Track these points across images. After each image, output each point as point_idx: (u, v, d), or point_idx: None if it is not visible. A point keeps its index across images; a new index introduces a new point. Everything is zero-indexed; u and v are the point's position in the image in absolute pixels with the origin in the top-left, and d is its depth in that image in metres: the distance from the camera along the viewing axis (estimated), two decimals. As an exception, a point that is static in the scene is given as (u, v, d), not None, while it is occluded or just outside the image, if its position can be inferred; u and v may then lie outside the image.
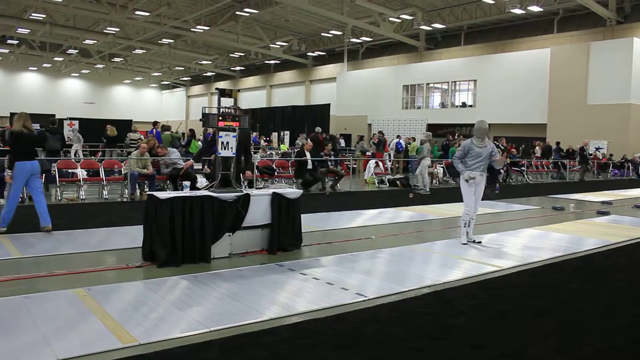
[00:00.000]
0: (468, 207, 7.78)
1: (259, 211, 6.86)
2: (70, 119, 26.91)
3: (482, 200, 8.14)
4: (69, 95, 56.12)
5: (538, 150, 25.50)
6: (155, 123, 19.59)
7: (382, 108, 36.47)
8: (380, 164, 18.97)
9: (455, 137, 25.55)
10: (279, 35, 39.37)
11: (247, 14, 31.92)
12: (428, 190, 15.75)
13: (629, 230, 9.82)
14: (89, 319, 4.25)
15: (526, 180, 21.72)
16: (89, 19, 36.29)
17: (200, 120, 7.01)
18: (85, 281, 5.35)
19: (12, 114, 34.48)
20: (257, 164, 14.62)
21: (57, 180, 11.78)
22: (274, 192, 7.03)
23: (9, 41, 42.41)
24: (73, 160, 14.82)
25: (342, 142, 30.52)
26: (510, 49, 32.51)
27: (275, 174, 15.19)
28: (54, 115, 22.85)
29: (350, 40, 36.41)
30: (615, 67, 27.01)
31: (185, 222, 6.21)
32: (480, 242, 7.86)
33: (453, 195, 13.15)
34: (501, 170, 19.95)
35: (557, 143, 25.49)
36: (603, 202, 14.29)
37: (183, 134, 23.97)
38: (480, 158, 7.72)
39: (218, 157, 7.06)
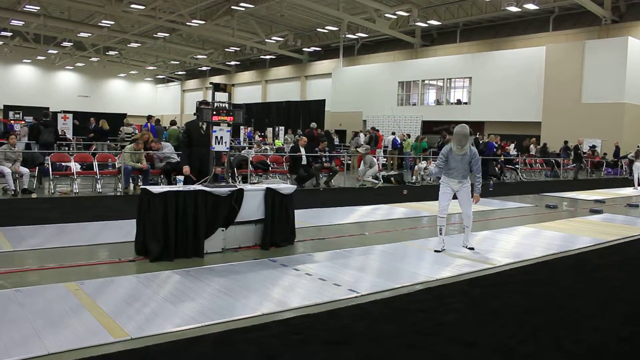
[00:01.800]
0: (440, 208, 7.33)
1: (252, 206, 6.84)
2: (64, 112, 26.74)
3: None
4: (63, 88, 55.84)
5: (532, 148, 25.55)
6: (149, 117, 19.53)
7: (377, 104, 36.45)
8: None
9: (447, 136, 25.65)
10: (275, 30, 39.25)
11: (243, 9, 31.78)
12: (376, 183, 16.14)
13: (621, 229, 9.86)
14: (80, 313, 4.23)
15: (520, 178, 21.77)
16: (83, 12, 36.08)
17: (195, 114, 7.00)
18: (77, 275, 5.33)
19: (6, 107, 34.34)
20: (251, 159, 14.60)
21: (51, 173, 11.75)
22: (267, 188, 7.02)
23: (3, 33, 42.13)
24: (67, 153, 14.74)
25: (336, 140, 30.45)
26: (506, 47, 32.54)
27: (270, 169, 15.17)
28: (47, 108, 22.73)
29: (346, 36, 36.34)
30: (610, 66, 27.06)
31: (179, 216, 6.20)
32: (472, 249, 7.40)
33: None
34: (495, 168, 20.01)
35: (565, 142, 25.38)
36: (596, 201, 14.34)
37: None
38: (459, 166, 7.17)
39: (212, 152, 7.05)
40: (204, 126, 7.92)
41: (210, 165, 7.08)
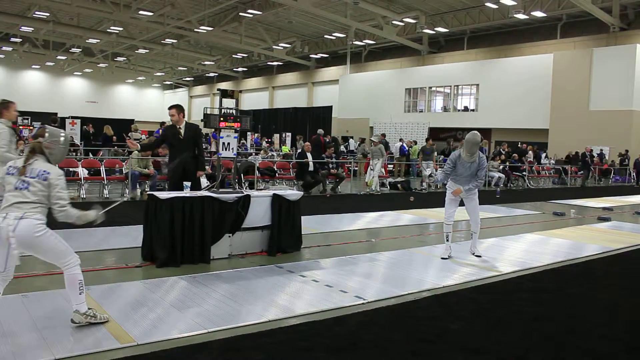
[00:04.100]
0: (446, 215, 7.30)
1: (259, 212, 6.85)
2: (72, 117, 26.88)
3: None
4: (71, 94, 56.09)
5: (531, 154, 25.27)
6: (162, 124, 19.63)
7: (384, 111, 36.42)
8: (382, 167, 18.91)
9: (452, 142, 25.64)
10: (282, 36, 39.35)
11: (251, 15, 31.91)
12: (379, 190, 16.00)
13: (629, 237, 9.79)
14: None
15: (527, 185, 21.69)
16: (92, 18, 36.29)
17: (202, 120, 7.02)
18: (85, 280, 5.32)
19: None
20: (258, 165, 14.63)
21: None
22: (274, 194, 7.02)
23: (13, 39, 42.38)
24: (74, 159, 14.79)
25: (343, 147, 30.35)
26: (513, 54, 32.48)
27: (276, 175, 15.19)
28: (56, 114, 22.82)
29: (353, 42, 36.35)
30: (618, 73, 26.96)
31: (185, 222, 6.20)
32: (479, 256, 7.34)
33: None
34: (501, 175, 19.96)
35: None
36: (604, 208, 14.26)
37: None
38: (467, 173, 7.09)
39: (219, 158, 7.07)
40: (182, 130, 7.63)
41: (217, 171, 7.08)
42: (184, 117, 7.71)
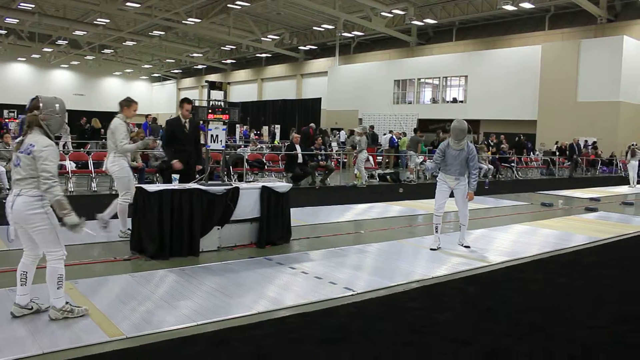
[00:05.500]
0: (436, 206, 7.28)
1: (248, 205, 6.83)
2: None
3: None
4: (58, 86, 55.42)
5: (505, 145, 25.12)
6: (147, 116, 19.51)
7: (373, 103, 36.41)
8: (371, 158, 18.94)
9: (441, 134, 25.56)
10: (271, 28, 39.19)
11: (239, 7, 31.72)
12: (364, 183, 15.93)
13: (616, 227, 9.89)
14: (75, 312, 4.21)
15: (516, 176, 21.81)
16: (78, 10, 35.91)
17: (190, 112, 6.99)
18: (72, 274, 5.28)
19: (1, 105, 34.12)
20: (247, 157, 14.58)
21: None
22: (263, 186, 7.01)
23: (-3, 31, 41.99)
24: (62, 152, 14.67)
25: (332, 138, 30.30)
26: (502, 46, 32.55)
27: (265, 167, 15.16)
28: (42, 107, 22.55)
29: (342, 34, 36.27)
30: (605, 64, 27.09)
31: (174, 215, 6.18)
32: (468, 247, 7.35)
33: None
34: (490, 166, 20.04)
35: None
36: (591, 199, 14.37)
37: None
38: (456, 162, 7.06)
39: (207, 150, 7.04)
40: (187, 124, 7.71)
41: (206, 164, 7.05)
42: None
